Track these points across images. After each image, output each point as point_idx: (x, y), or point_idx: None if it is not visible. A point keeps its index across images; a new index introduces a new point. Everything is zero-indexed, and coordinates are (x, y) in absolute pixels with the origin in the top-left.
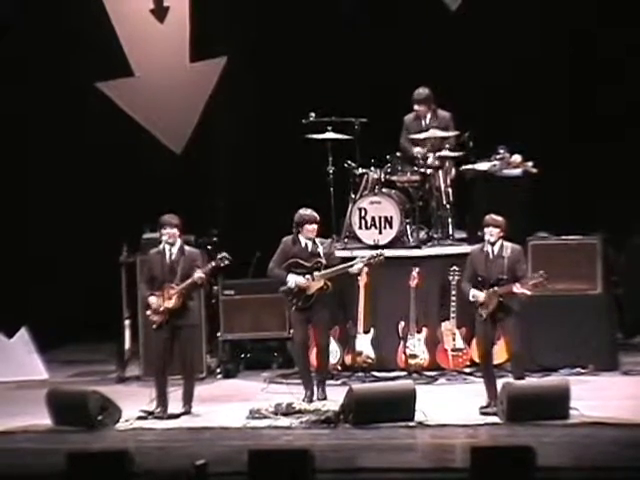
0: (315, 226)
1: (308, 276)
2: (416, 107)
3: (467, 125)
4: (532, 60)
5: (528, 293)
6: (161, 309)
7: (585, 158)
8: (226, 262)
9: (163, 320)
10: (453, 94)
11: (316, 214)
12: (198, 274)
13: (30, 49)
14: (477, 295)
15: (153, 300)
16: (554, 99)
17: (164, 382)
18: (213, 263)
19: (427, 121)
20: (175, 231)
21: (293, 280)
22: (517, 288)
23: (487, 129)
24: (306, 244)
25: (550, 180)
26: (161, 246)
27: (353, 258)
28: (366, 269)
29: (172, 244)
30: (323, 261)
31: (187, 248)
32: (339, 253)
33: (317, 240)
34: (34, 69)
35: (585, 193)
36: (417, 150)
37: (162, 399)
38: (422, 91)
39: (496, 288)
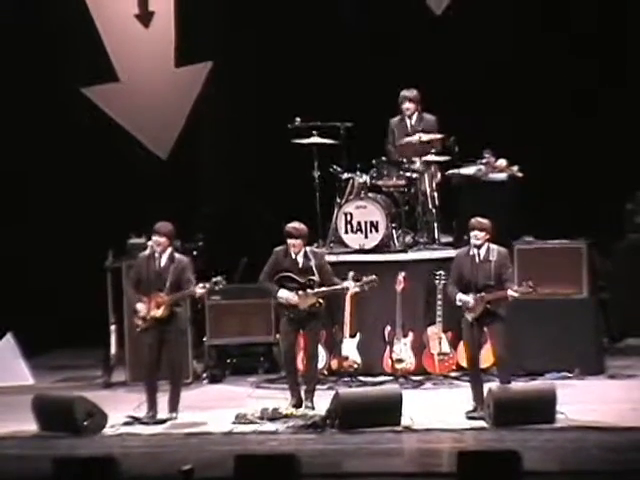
0: (295, 241)
1: (301, 292)
2: (405, 105)
3: (452, 129)
4: (523, 63)
5: (516, 295)
6: (148, 317)
7: (572, 161)
8: (220, 286)
9: (147, 326)
10: (438, 98)
11: (299, 227)
12: (200, 291)
13: (15, 54)
14: (465, 300)
15: (140, 307)
16: (543, 102)
17: (154, 387)
18: (207, 285)
19: (412, 123)
20: (163, 240)
21: (284, 296)
22: (512, 292)
23: (472, 133)
24: (297, 258)
25: (536, 184)
26: (148, 251)
27: (340, 263)
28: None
29: (163, 251)
30: (316, 278)
31: (177, 256)
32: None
33: (309, 252)
34: (19, 74)
35: (571, 197)
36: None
37: (152, 404)
38: (411, 90)
39: (483, 294)
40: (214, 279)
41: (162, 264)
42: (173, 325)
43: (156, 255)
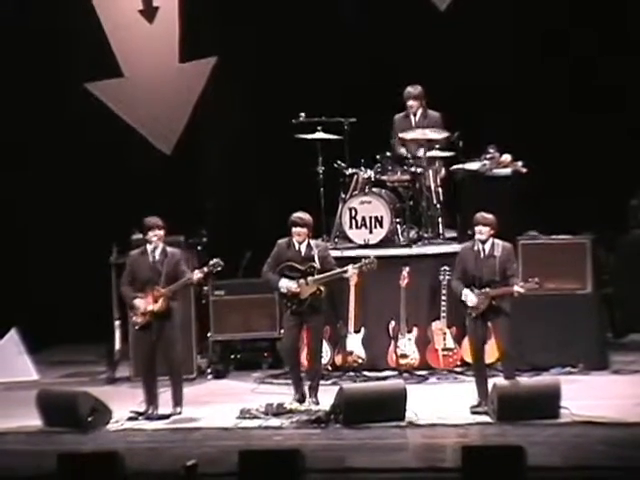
0: (300, 229)
1: (301, 281)
2: (409, 102)
3: (456, 124)
4: (526, 59)
5: (522, 291)
6: (146, 311)
7: (577, 157)
8: (218, 268)
9: (146, 322)
10: (443, 93)
11: (304, 216)
12: (197, 276)
13: (18, 49)
14: (469, 296)
15: (138, 303)
16: (546, 99)
17: (152, 382)
18: (205, 269)
19: (417, 120)
20: (162, 232)
21: (285, 285)
22: (518, 287)
23: (476, 128)
24: (300, 248)
25: (540, 179)
26: (145, 247)
27: (344, 258)
28: (357, 272)
29: (157, 246)
30: (317, 265)
31: (169, 249)
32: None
33: (312, 243)
34: (23, 69)
35: (575, 193)
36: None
37: (151, 399)
38: (415, 87)
39: (488, 290)
40: (211, 261)
41: (156, 258)
42: (171, 320)
43: (149, 251)
